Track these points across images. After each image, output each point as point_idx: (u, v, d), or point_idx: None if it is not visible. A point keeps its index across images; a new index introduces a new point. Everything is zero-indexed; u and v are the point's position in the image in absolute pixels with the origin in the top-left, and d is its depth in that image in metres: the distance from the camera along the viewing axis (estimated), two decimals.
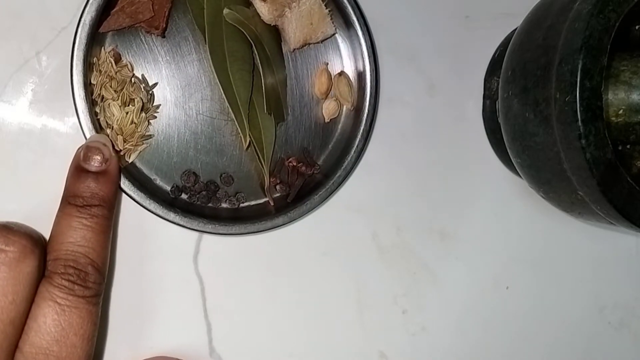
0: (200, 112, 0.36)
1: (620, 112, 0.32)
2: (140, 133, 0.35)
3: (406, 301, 0.40)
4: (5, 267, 0.28)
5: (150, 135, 0.36)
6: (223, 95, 0.35)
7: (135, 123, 0.35)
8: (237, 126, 0.36)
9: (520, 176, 0.36)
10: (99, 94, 0.35)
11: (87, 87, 0.34)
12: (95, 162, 0.32)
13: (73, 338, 0.29)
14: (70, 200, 0.31)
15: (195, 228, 0.35)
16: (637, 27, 0.33)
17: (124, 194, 0.34)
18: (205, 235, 0.37)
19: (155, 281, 0.37)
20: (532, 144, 0.31)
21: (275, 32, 0.36)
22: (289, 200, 0.37)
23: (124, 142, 0.35)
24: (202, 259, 0.37)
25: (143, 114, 0.35)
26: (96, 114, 0.35)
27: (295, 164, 0.37)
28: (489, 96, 0.39)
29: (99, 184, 0.31)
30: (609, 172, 0.28)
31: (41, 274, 0.30)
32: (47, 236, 0.32)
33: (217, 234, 0.36)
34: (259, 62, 0.35)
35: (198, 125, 0.37)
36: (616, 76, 0.32)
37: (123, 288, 0.36)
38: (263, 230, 0.36)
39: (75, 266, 0.30)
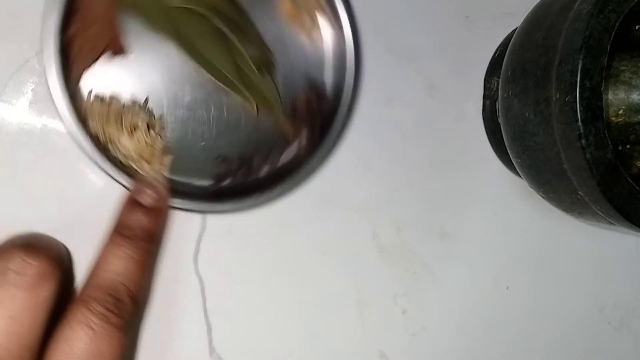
0: (199, 99, 0.36)
1: (620, 112, 0.32)
2: (158, 150, 0.35)
3: (406, 301, 0.40)
4: (23, 292, 0.28)
5: (168, 145, 0.36)
6: (211, 77, 0.35)
7: (148, 144, 0.35)
8: (239, 96, 0.36)
9: (520, 176, 0.36)
10: (105, 136, 0.35)
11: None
12: (149, 198, 0.33)
13: None
14: (119, 231, 0.32)
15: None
16: (637, 27, 0.33)
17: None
18: (205, 235, 0.37)
19: (155, 281, 0.37)
20: (532, 144, 0.31)
21: None
22: (316, 136, 0.37)
23: (150, 165, 0.35)
24: (202, 259, 0.37)
25: (152, 132, 0.35)
26: (113, 155, 0.35)
27: (306, 101, 0.37)
28: (489, 96, 0.39)
29: (149, 219, 0.33)
30: (609, 172, 0.28)
31: (59, 295, 0.30)
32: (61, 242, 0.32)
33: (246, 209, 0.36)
34: (226, 28, 0.35)
35: (204, 113, 0.36)
36: (616, 76, 0.32)
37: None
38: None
39: (114, 294, 0.30)
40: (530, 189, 0.35)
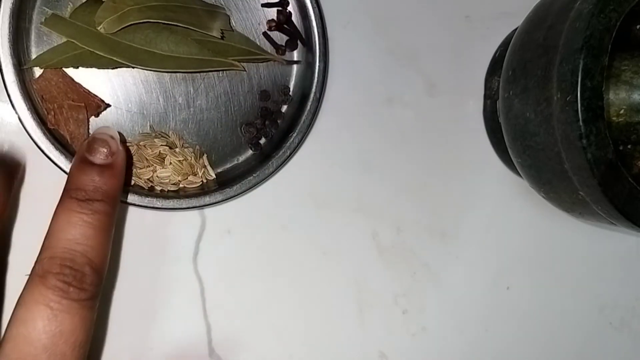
0: (191, 92, 0.36)
1: (621, 112, 0.32)
2: (192, 158, 0.35)
3: (406, 301, 0.40)
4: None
5: (196, 148, 0.36)
6: (186, 72, 0.35)
7: (182, 160, 0.35)
8: (220, 66, 0.35)
9: (520, 176, 0.36)
10: (146, 184, 0.35)
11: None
12: (100, 155, 0.30)
13: (63, 346, 0.27)
14: (71, 194, 0.29)
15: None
16: (638, 26, 0.33)
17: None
18: (205, 235, 0.37)
19: (155, 282, 0.37)
20: (533, 144, 0.31)
21: None
22: (301, 41, 0.37)
23: (195, 174, 0.35)
24: (201, 259, 0.37)
25: (176, 149, 0.35)
26: (162, 190, 0.35)
27: (275, 21, 0.36)
28: (490, 96, 0.39)
29: (103, 178, 0.29)
30: (610, 172, 0.28)
31: None
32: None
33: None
34: (167, 20, 0.34)
35: (202, 101, 0.36)
36: (617, 76, 0.32)
37: (122, 289, 0.36)
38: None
39: (71, 266, 0.27)
40: (531, 189, 0.35)
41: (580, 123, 0.27)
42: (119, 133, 0.33)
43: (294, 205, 0.38)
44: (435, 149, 0.40)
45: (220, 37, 0.35)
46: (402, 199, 0.40)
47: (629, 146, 0.33)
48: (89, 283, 0.28)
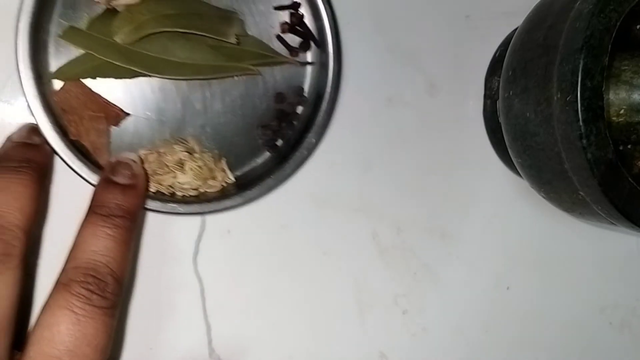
0: (208, 97, 0.36)
1: (622, 112, 0.32)
2: (211, 163, 0.36)
3: (406, 301, 0.40)
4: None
5: (215, 153, 0.36)
6: (203, 79, 0.35)
7: (201, 166, 0.35)
8: (235, 71, 0.36)
9: (520, 176, 0.36)
10: (167, 189, 0.35)
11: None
12: (123, 176, 0.32)
13: (86, 349, 0.28)
14: (95, 210, 0.31)
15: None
16: (638, 26, 0.33)
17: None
18: (205, 235, 0.37)
19: (155, 281, 0.37)
20: (533, 144, 0.31)
21: None
22: (314, 42, 0.37)
23: (215, 179, 0.36)
24: (201, 259, 0.37)
25: (195, 154, 0.35)
26: (183, 196, 0.35)
27: (288, 23, 0.36)
28: (490, 96, 0.39)
29: (125, 197, 0.31)
30: (610, 172, 0.28)
31: (25, 265, 0.29)
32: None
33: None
34: (181, 27, 0.34)
35: (219, 106, 0.36)
36: (617, 76, 0.32)
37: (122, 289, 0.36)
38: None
39: (95, 275, 0.29)
40: (531, 189, 0.35)
41: (580, 123, 0.27)
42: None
43: (293, 205, 0.38)
44: (435, 149, 0.40)
45: (236, 42, 0.35)
46: (402, 199, 0.40)
47: (629, 146, 0.33)
48: (111, 292, 0.29)
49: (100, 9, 0.34)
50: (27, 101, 0.33)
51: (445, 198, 0.40)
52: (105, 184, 0.32)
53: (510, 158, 0.35)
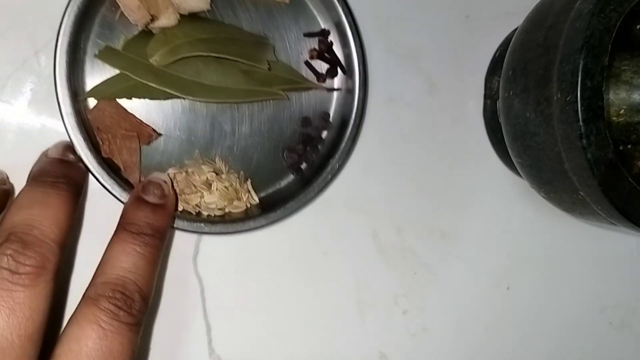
0: (237, 119, 0.37)
1: (622, 112, 0.32)
2: (237, 183, 0.36)
3: (406, 301, 0.40)
4: (21, 287, 0.27)
5: (241, 174, 0.36)
6: (234, 102, 0.36)
7: (228, 187, 0.36)
8: (264, 95, 0.36)
9: (521, 176, 0.36)
10: (194, 209, 0.35)
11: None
12: (154, 196, 0.33)
13: None
14: (126, 227, 0.31)
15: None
16: (638, 26, 0.33)
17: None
18: (205, 235, 0.37)
19: (155, 282, 0.37)
20: (533, 144, 0.31)
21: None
22: (342, 69, 0.37)
23: (240, 200, 0.36)
24: (201, 259, 0.37)
25: (222, 175, 0.36)
26: (208, 215, 0.36)
27: (317, 50, 0.37)
28: (490, 96, 0.39)
29: (155, 216, 0.32)
30: (610, 172, 0.28)
31: (57, 278, 0.29)
32: None
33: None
34: (214, 52, 0.35)
35: (247, 128, 0.37)
36: (617, 76, 0.32)
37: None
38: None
39: (123, 292, 0.29)
40: (531, 189, 0.35)
41: (580, 123, 0.27)
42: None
43: None
44: (435, 148, 0.40)
45: (267, 68, 0.36)
46: (403, 199, 0.40)
47: (629, 146, 0.33)
48: (137, 309, 0.30)
49: (136, 30, 0.35)
50: (62, 118, 0.34)
51: (445, 198, 0.40)
52: (137, 202, 0.32)
53: (510, 158, 0.35)
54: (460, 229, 0.40)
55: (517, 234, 0.41)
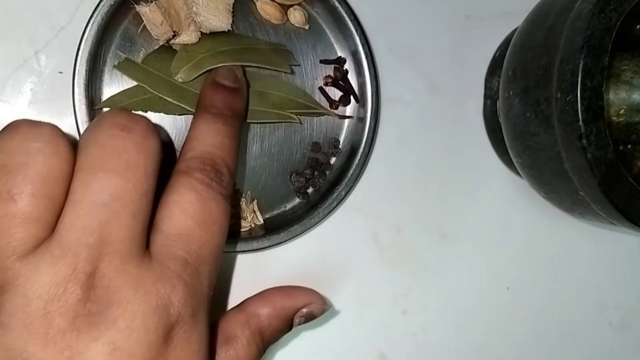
0: (249, 140, 0.37)
1: (622, 111, 0.32)
2: (244, 203, 0.36)
3: (406, 301, 0.40)
4: (133, 142, 0.27)
5: (247, 194, 0.37)
6: (247, 122, 0.36)
7: (235, 206, 0.36)
8: (284, 119, 0.36)
9: (521, 176, 0.36)
10: None
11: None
12: (229, 80, 0.33)
13: (213, 226, 0.28)
14: (207, 109, 0.32)
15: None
16: (638, 26, 0.33)
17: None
18: None
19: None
20: (533, 144, 0.31)
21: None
22: (355, 98, 0.38)
23: (245, 220, 0.36)
24: None
25: (243, 199, 0.36)
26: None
27: (332, 77, 0.37)
28: (490, 96, 0.39)
29: (232, 98, 0.33)
30: (610, 172, 0.28)
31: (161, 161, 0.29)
32: None
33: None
34: (238, 62, 0.35)
35: (257, 149, 0.37)
36: (617, 76, 0.32)
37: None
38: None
39: (213, 165, 0.30)
40: (531, 189, 0.35)
41: (581, 123, 0.27)
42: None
43: None
44: (435, 148, 0.40)
45: (290, 71, 0.36)
46: (402, 199, 0.40)
47: (629, 146, 0.33)
48: (227, 182, 0.30)
49: (156, 44, 0.35)
50: (77, 125, 0.34)
51: (445, 198, 0.40)
52: (214, 86, 0.33)
53: (510, 158, 0.35)
54: (460, 229, 0.40)
55: (517, 234, 0.41)
